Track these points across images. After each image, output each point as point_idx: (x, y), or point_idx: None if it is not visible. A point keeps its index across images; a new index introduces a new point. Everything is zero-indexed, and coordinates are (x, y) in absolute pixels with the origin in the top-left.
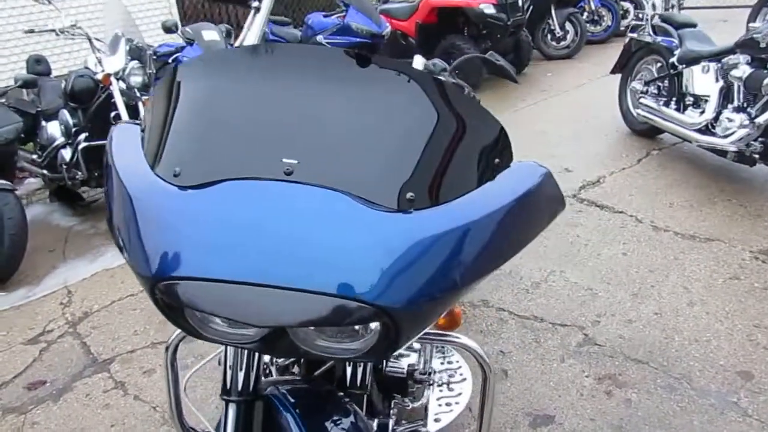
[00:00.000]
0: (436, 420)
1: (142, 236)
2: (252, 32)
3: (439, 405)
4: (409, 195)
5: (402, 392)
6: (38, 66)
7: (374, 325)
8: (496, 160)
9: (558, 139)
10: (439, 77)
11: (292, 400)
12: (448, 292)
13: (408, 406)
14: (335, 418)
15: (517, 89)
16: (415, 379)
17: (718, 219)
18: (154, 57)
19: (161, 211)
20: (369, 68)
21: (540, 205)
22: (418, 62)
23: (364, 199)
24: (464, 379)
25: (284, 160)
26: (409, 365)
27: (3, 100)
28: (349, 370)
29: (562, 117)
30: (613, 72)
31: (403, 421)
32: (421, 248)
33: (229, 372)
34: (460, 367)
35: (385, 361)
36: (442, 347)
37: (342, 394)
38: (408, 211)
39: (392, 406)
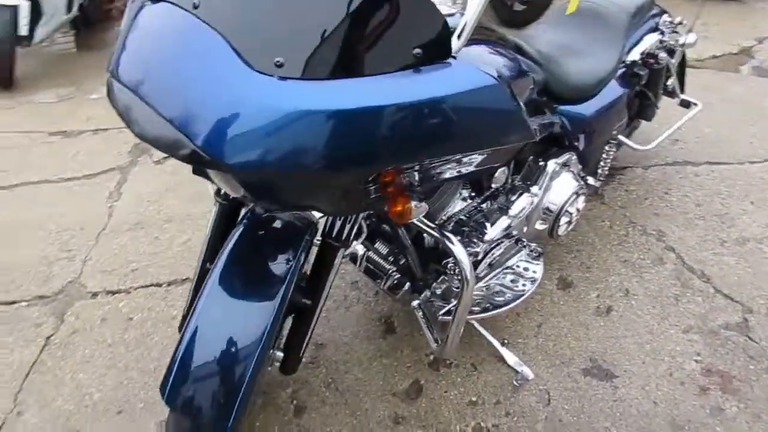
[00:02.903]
0: (447, 313)
1: (118, 38)
2: None
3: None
4: (277, 60)
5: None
6: None
7: None
8: (416, 51)
9: None
10: None
11: (256, 220)
12: (292, 167)
13: (455, 286)
14: (277, 247)
15: None
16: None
17: None
18: None
19: (130, 20)
20: None
21: (474, 117)
22: None
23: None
24: (521, 292)
25: None
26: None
27: None
28: (329, 221)
29: None
30: None
31: (452, 300)
32: (263, 116)
33: None
34: (533, 279)
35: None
36: (534, 250)
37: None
38: (271, 75)
39: (440, 280)
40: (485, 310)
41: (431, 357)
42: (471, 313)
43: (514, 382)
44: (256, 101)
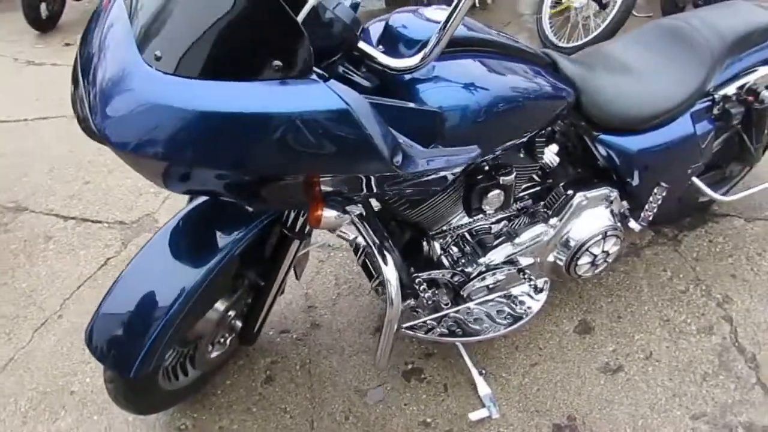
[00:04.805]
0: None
1: None
2: None
3: (448, 321)
4: (156, 52)
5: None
6: None
7: None
8: (276, 63)
9: None
10: None
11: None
12: (160, 156)
13: (446, 305)
14: (230, 222)
15: None
16: (456, 284)
17: None
18: None
19: None
20: None
21: (320, 139)
22: None
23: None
24: (500, 326)
25: None
26: (461, 270)
27: None
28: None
29: None
30: None
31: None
32: (135, 104)
33: None
34: (524, 314)
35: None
36: (535, 285)
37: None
38: (151, 65)
39: (430, 292)
40: (453, 334)
41: (409, 366)
42: (442, 335)
43: (470, 416)
44: (135, 90)
